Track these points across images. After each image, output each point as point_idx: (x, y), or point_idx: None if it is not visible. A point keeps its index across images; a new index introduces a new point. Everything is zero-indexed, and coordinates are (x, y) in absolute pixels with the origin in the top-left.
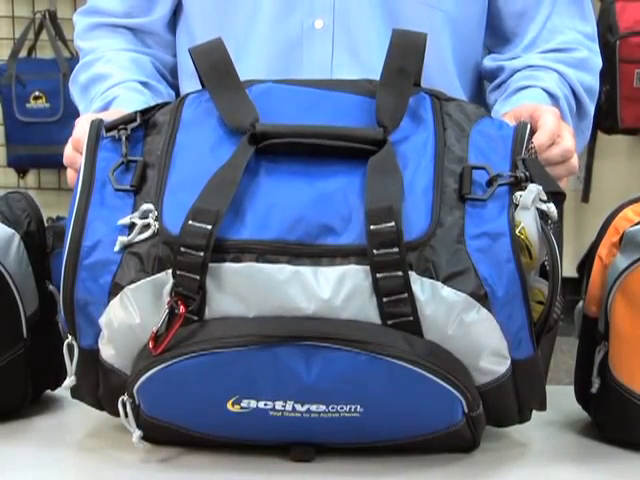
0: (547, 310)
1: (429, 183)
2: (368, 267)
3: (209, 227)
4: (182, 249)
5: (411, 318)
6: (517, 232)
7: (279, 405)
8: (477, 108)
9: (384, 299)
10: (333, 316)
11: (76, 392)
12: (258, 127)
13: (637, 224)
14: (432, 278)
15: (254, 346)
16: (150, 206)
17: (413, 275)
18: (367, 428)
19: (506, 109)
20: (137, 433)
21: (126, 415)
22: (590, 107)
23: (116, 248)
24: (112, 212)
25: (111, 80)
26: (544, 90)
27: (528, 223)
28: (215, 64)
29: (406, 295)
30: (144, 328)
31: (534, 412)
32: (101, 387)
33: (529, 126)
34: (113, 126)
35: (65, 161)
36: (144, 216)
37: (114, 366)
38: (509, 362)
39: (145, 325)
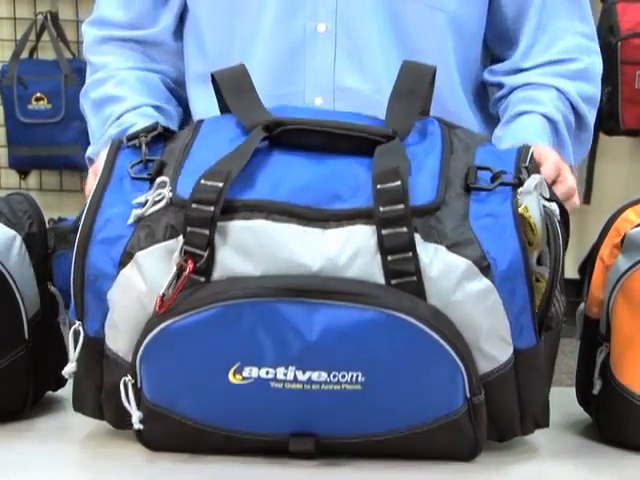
0: (548, 293)
1: (436, 173)
2: (374, 227)
3: (220, 184)
4: (193, 205)
5: (414, 278)
6: (520, 210)
7: (280, 373)
8: (483, 136)
9: (389, 257)
10: (338, 274)
11: (77, 398)
12: (273, 118)
13: (638, 226)
14: (436, 243)
15: (257, 299)
16: (165, 178)
17: (418, 238)
18: (367, 407)
19: (506, 142)
20: (137, 414)
21: (127, 397)
22: (590, 118)
23: (130, 221)
24: (128, 195)
25: (125, 104)
26: (543, 116)
27: (530, 203)
28: (235, 82)
29: (410, 254)
30: (151, 297)
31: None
32: (104, 385)
33: (532, 148)
34: (134, 136)
35: (87, 192)
36: (159, 187)
37: (119, 355)
38: (511, 350)
39: (152, 292)
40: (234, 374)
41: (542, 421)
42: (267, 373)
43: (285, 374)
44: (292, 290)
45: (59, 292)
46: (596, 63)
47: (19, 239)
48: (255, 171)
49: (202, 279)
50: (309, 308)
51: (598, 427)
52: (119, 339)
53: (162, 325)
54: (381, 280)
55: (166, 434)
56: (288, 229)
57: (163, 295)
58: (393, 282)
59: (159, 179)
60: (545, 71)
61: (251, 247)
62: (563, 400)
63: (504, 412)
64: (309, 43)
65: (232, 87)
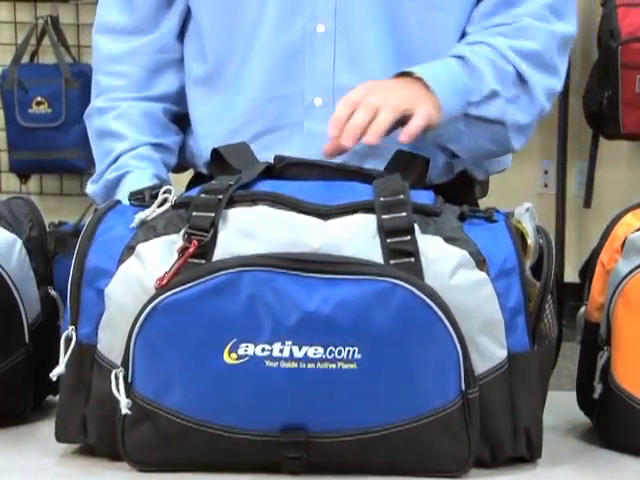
0: (540, 299)
1: (431, 196)
2: (374, 216)
3: (231, 182)
4: (202, 195)
5: (413, 259)
6: (514, 221)
7: (276, 350)
8: None
9: (388, 240)
10: (338, 252)
11: (61, 420)
12: (276, 157)
13: (639, 230)
14: (434, 235)
15: (256, 267)
16: (170, 187)
17: (416, 229)
18: (361, 392)
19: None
20: (125, 401)
21: (117, 387)
22: (529, 71)
23: (133, 224)
24: (130, 217)
25: (124, 143)
26: (452, 56)
27: (523, 218)
28: (237, 152)
29: (409, 237)
30: (151, 284)
31: None
32: (92, 397)
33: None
34: (139, 191)
35: None
36: (164, 193)
37: (110, 360)
38: (505, 353)
39: (152, 279)
40: (229, 352)
41: (535, 441)
42: (263, 350)
43: (281, 350)
44: (292, 261)
45: (60, 296)
46: (543, 27)
47: (19, 243)
48: (259, 181)
49: (203, 262)
50: (308, 280)
51: (599, 431)
52: (113, 338)
53: (157, 300)
54: (380, 260)
55: (151, 440)
56: (289, 215)
57: (165, 274)
58: (392, 262)
59: (165, 187)
60: (485, 32)
61: (252, 229)
62: (563, 404)
63: (496, 423)
64: (308, 44)
65: (234, 155)
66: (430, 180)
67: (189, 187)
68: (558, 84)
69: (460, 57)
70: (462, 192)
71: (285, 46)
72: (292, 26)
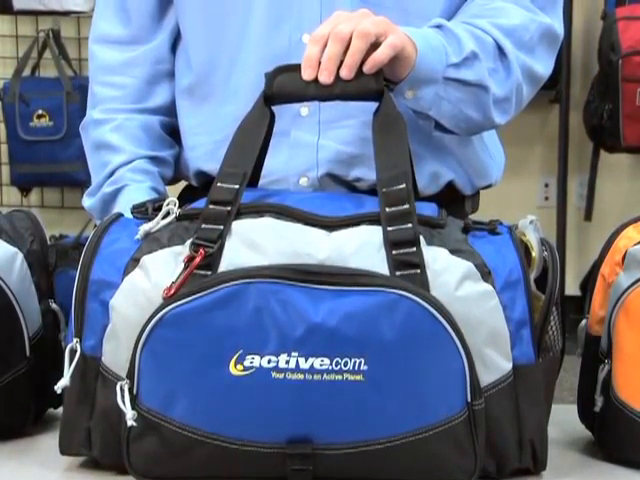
0: (545, 310)
1: (435, 208)
2: (379, 227)
3: (236, 187)
4: (210, 206)
5: (418, 271)
6: (518, 233)
7: (283, 361)
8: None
9: (393, 251)
10: (343, 264)
11: (65, 429)
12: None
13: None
14: (439, 247)
15: (262, 279)
16: (174, 199)
17: (421, 240)
18: (368, 405)
19: None
20: (131, 413)
21: (123, 399)
22: (509, 46)
23: (138, 236)
24: (133, 229)
25: (120, 156)
26: (429, 26)
27: (527, 230)
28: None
29: (414, 249)
30: (156, 295)
31: None
32: (96, 409)
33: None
34: (142, 204)
35: None
36: (168, 205)
37: (115, 372)
38: (511, 365)
39: (157, 290)
40: (235, 364)
41: (540, 453)
42: (269, 362)
43: (287, 362)
44: (298, 272)
45: (61, 309)
46: (518, 12)
47: (21, 256)
48: (262, 193)
49: (209, 273)
50: (315, 291)
51: (599, 444)
52: (118, 350)
53: (164, 310)
54: (385, 272)
55: (157, 453)
56: (294, 226)
57: (171, 284)
58: (398, 274)
59: (169, 199)
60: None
61: (258, 240)
62: (564, 417)
63: (502, 434)
64: (294, 53)
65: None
66: (419, 190)
67: (180, 199)
68: (540, 68)
69: (436, 26)
70: (452, 207)
71: (271, 56)
72: (278, 35)
